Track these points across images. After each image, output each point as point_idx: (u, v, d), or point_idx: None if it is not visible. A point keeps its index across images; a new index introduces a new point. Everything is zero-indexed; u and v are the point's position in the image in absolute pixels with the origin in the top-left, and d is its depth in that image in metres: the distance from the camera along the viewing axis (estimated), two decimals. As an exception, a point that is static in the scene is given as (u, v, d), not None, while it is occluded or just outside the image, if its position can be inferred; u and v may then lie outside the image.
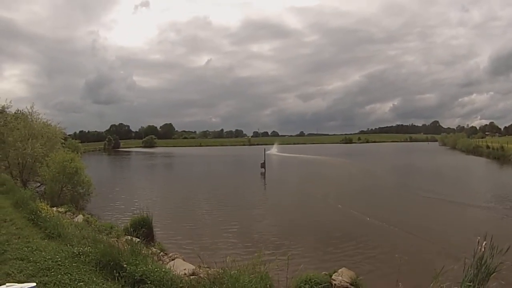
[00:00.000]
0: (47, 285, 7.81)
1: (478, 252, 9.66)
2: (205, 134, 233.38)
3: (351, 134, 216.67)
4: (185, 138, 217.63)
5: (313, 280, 11.04)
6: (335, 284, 11.64)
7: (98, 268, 8.96)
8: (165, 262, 12.65)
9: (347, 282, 11.95)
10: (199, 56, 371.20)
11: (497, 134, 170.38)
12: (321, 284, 11.06)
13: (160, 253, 14.82)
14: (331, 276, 12.12)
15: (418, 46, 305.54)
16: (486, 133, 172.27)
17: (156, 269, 8.64)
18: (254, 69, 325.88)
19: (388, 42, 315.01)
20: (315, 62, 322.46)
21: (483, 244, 9.57)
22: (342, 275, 12.34)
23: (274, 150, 73.80)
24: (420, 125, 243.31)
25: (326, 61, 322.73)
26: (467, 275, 9.63)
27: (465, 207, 27.73)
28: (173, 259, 13.63)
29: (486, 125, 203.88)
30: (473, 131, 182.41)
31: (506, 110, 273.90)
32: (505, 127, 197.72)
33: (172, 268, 9.56)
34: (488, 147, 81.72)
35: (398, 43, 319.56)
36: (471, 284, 9.36)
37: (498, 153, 71.07)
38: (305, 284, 10.76)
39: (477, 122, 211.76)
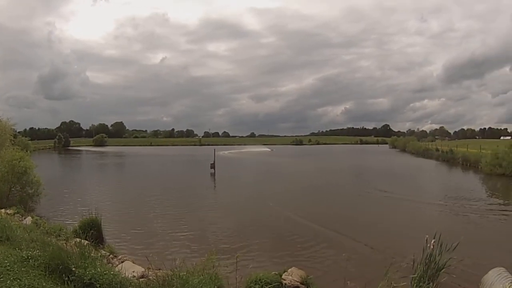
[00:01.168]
0: None
1: (427, 249, 10.12)
2: (156, 134, 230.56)
3: (302, 136, 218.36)
4: (136, 137, 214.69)
5: (263, 280, 11.28)
6: (285, 284, 11.87)
7: (47, 273, 8.76)
8: (114, 265, 12.61)
9: (297, 281, 12.21)
10: (155, 53, 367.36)
11: (447, 138, 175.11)
12: (271, 284, 11.29)
13: (109, 255, 14.76)
14: (281, 275, 12.36)
15: (375, 52, 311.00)
16: (436, 137, 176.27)
17: (105, 272, 8.64)
18: (209, 69, 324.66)
19: (345, 47, 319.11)
20: (271, 63, 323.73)
21: (432, 242, 10.03)
22: (292, 275, 12.60)
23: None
24: (371, 128, 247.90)
25: (282, 63, 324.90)
26: (417, 272, 10.07)
27: (416, 205, 28.73)
28: (122, 262, 13.65)
29: (436, 129, 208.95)
30: (423, 134, 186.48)
31: (457, 115, 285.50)
32: (455, 131, 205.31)
33: (121, 271, 9.62)
34: (437, 150, 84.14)
35: (355, 48, 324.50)
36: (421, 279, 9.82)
37: (447, 155, 73.38)
38: (255, 284, 11.01)
39: (428, 127, 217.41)
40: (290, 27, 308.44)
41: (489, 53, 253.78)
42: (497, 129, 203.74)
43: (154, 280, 8.90)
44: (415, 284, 9.99)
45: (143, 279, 9.79)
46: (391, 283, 8.88)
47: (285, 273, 12.72)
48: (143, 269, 11.70)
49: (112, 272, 8.89)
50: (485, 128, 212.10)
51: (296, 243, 19.49)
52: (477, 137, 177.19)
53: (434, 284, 9.77)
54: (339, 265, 15.06)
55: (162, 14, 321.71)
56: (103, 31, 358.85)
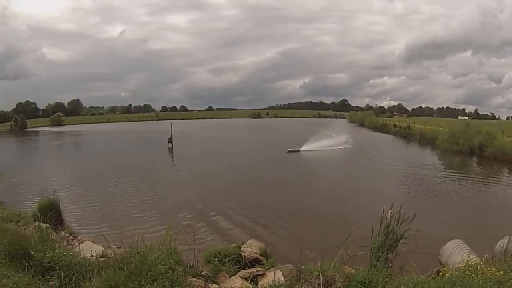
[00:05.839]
0: None
1: (385, 220, 10.43)
2: (113, 110, 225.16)
3: (260, 109, 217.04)
4: (93, 114, 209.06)
5: (222, 253, 11.55)
6: (244, 256, 12.14)
7: (8, 260, 8.86)
8: (74, 246, 12.71)
9: (257, 253, 12.50)
10: (114, 26, 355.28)
11: (404, 115, 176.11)
12: (230, 256, 11.53)
13: (69, 237, 14.84)
14: (240, 248, 12.62)
15: (336, 28, 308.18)
16: (394, 113, 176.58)
17: (64, 254, 8.79)
18: (167, 42, 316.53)
19: (306, 22, 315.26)
20: (230, 36, 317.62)
21: (389, 212, 10.34)
22: (251, 247, 12.88)
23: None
24: (329, 102, 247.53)
25: (242, 36, 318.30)
26: (375, 242, 10.37)
27: (380, 176, 29.39)
28: (82, 242, 13.74)
29: (395, 105, 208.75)
30: (381, 110, 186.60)
31: (416, 94, 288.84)
32: (413, 109, 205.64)
33: (80, 251, 9.74)
34: (395, 125, 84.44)
35: (317, 23, 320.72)
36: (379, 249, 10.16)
37: (405, 131, 74.23)
38: (214, 257, 11.20)
39: (386, 103, 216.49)
40: (252, 0, 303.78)
41: (451, 37, 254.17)
42: (455, 109, 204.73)
43: (113, 258, 9.04)
44: (374, 254, 10.30)
45: (102, 258, 9.95)
46: (349, 253, 9.15)
47: (244, 245, 12.99)
48: (102, 248, 11.77)
49: (71, 253, 9.02)
50: (443, 107, 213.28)
51: (253, 213, 19.86)
52: (435, 115, 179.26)
53: (393, 254, 10.11)
54: (297, 236, 15.49)
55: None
56: (60, 4, 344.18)
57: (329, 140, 56.17)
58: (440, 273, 9.46)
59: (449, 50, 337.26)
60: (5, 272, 8.27)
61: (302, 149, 48.55)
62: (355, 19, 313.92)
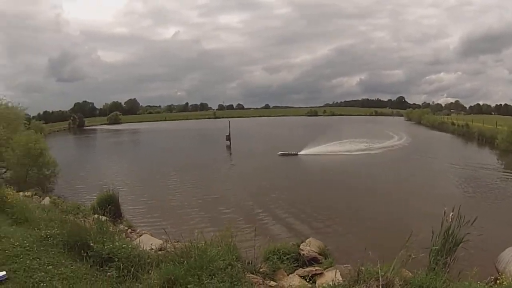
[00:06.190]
0: (16, 272, 7.77)
1: (445, 222, 9.92)
2: (170, 108, 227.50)
3: (316, 107, 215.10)
4: (150, 113, 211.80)
5: (281, 251, 11.30)
6: (303, 254, 11.86)
7: (66, 250, 8.93)
8: (133, 239, 12.75)
9: (315, 252, 12.21)
10: (167, 28, 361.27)
11: (462, 112, 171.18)
12: (289, 254, 11.27)
13: (128, 229, 14.92)
14: (299, 246, 12.38)
15: (389, 23, 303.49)
16: (452, 110, 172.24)
17: (123, 246, 8.71)
18: (221, 42, 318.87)
19: (358, 17, 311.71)
20: (283, 35, 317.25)
21: (450, 215, 9.82)
22: (310, 245, 12.60)
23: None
24: (386, 100, 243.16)
25: (296, 34, 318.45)
26: (435, 245, 9.89)
27: (439, 176, 28.54)
28: (140, 235, 13.76)
29: (452, 103, 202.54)
30: (438, 108, 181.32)
31: (473, 90, 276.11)
32: (471, 106, 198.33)
33: (139, 244, 9.67)
34: (453, 123, 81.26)
35: (369, 19, 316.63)
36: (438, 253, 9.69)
37: (463, 130, 71.27)
38: (273, 255, 10.93)
39: (443, 100, 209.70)
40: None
41: (506, 29, 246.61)
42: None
43: (173, 252, 8.91)
44: (432, 258, 9.84)
45: (161, 251, 9.85)
46: (411, 255, 8.73)
47: (303, 243, 12.75)
48: (161, 242, 11.76)
49: (130, 246, 8.95)
50: (501, 104, 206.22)
51: (314, 212, 19.53)
52: (493, 113, 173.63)
53: (451, 258, 9.60)
54: (355, 235, 15.11)
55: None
56: (112, 9, 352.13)
57: (390, 141, 54.98)
58: (498, 281, 8.91)
59: (504, 43, 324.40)
60: (63, 261, 8.37)
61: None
62: (407, 13, 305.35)
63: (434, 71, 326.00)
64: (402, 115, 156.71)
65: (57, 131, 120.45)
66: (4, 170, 29.66)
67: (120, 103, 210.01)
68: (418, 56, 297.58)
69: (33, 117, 79.98)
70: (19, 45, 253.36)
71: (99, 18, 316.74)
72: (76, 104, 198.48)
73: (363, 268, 8.47)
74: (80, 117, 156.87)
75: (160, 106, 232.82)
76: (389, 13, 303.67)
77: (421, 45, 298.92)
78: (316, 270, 10.58)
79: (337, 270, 9.87)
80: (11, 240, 9.57)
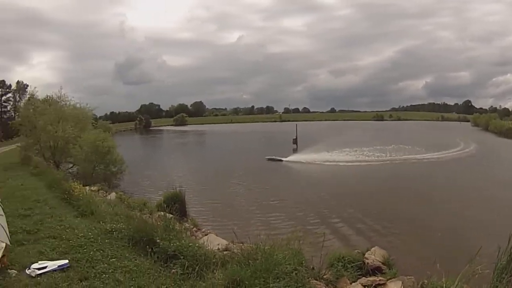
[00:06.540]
0: (79, 261, 7.89)
1: None
2: (236, 111, 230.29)
3: (382, 111, 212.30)
4: (216, 115, 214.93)
5: (346, 258, 10.90)
6: (367, 263, 11.50)
7: (130, 244, 9.02)
8: (198, 238, 12.73)
9: (379, 261, 11.82)
10: (230, 33, 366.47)
11: None
12: (354, 263, 10.92)
13: (193, 228, 14.90)
14: (363, 254, 12.03)
15: (453, 22, 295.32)
16: None
17: (189, 245, 8.58)
18: (285, 45, 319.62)
19: (421, 17, 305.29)
20: (347, 36, 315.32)
21: None
22: (375, 254, 12.23)
23: None
24: (453, 104, 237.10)
25: (359, 35, 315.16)
26: (500, 263, 9.22)
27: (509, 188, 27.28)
28: (206, 235, 13.68)
29: None
30: (505, 112, 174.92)
31: None
32: None
33: (205, 244, 9.54)
34: None
35: (432, 18, 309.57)
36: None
37: None
38: (338, 262, 10.54)
39: (510, 104, 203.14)
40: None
41: None
42: None
43: (239, 253, 8.70)
44: (497, 275, 9.18)
45: (227, 251, 9.67)
46: (478, 269, 8.16)
47: (368, 252, 12.37)
48: (226, 242, 11.69)
49: (197, 245, 8.82)
50: None
51: (381, 220, 19.03)
52: None
53: None
54: (424, 246, 14.58)
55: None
56: (175, 16, 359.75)
57: (456, 148, 53.45)
58: None
59: None
60: (127, 255, 8.47)
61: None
62: (471, 10, 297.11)
63: (501, 72, 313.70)
64: (468, 120, 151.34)
65: (124, 130, 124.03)
66: (71, 165, 30.76)
67: (186, 105, 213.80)
68: (484, 55, 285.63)
69: (100, 117, 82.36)
70: (86, 51, 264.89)
71: (162, 25, 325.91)
72: (143, 106, 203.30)
73: (426, 281, 8.13)
74: (147, 118, 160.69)
75: (226, 108, 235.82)
76: (452, 11, 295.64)
77: (486, 44, 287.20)
78: (379, 280, 10.12)
79: (400, 282, 9.52)
80: (76, 231, 9.88)
